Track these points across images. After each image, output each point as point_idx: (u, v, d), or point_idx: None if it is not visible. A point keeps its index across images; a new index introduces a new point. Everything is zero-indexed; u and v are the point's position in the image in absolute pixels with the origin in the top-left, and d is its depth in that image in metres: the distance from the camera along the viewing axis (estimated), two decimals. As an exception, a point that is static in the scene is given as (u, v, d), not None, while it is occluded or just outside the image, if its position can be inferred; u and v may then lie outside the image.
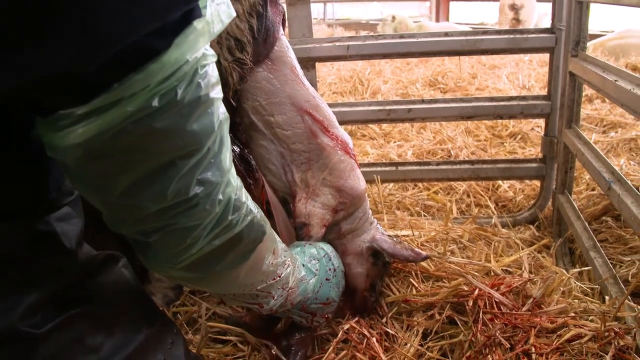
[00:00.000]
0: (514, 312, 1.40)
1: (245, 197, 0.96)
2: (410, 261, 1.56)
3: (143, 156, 0.75)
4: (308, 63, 2.12)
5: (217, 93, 0.81)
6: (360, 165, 2.38)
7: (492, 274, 1.61)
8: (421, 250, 1.68)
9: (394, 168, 2.29)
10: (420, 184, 2.58)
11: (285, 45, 1.46)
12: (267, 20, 1.37)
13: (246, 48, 1.32)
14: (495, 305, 1.44)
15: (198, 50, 0.75)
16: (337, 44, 2.08)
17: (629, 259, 1.71)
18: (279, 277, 1.16)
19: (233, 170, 0.91)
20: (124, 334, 0.97)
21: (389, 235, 1.58)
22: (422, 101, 2.17)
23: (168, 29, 0.71)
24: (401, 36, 2.10)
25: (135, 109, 0.70)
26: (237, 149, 1.56)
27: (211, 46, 1.23)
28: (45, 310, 0.89)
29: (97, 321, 0.95)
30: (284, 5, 2.18)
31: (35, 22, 0.61)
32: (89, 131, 0.69)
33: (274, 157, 1.47)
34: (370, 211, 1.59)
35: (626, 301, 1.37)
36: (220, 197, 0.87)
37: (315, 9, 12.54)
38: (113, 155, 0.73)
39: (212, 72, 0.80)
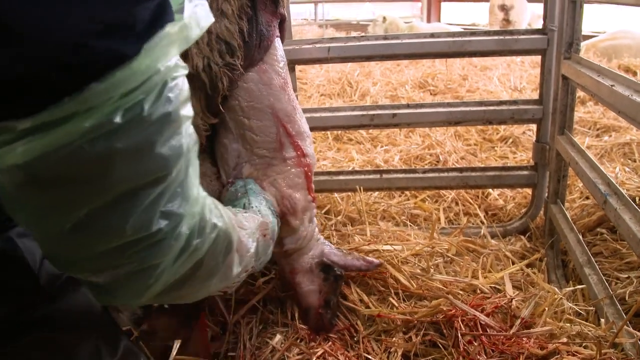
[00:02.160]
0: (499, 334, 1.30)
1: (209, 212, 0.84)
2: (364, 270, 1.53)
3: (100, 183, 0.62)
4: (288, 66, 2.00)
5: (187, 111, 0.69)
6: (344, 173, 2.27)
7: (479, 291, 1.50)
8: (403, 265, 1.58)
9: (378, 176, 2.18)
10: (407, 192, 2.47)
11: (278, 50, 1.40)
12: (260, 24, 1.30)
13: (237, 52, 1.24)
14: (479, 327, 1.34)
15: (170, 58, 0.64)
16: (318, 45, 1.97)
17: (626, 275, 1.60)
18: (247, 270, 1.11)
19: (201, 192, 0.80)
20: None
21: (338, 248, 1.55)
22: (408, 106, 2.06)
23: (138, 33, 0.60)
24: (385, 38, 1.99)
25: (92, 125, 0.57)
26: None
27: (201, 49, 1.13)
28: None
29: (56, 348, 0.87)
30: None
31: None
32: (32, 151, 0.56)
33: (230, 157, 1.41)
34: (317, 229, 1.54)
35: (626, 329, 1.26)
36: (186, 229, 0.75)
37: (307, 10, 12.45)
38: (64, 182, 0.60)
39: (183, 86, 0.68)
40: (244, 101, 1.34)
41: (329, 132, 3.26)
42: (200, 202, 0.80)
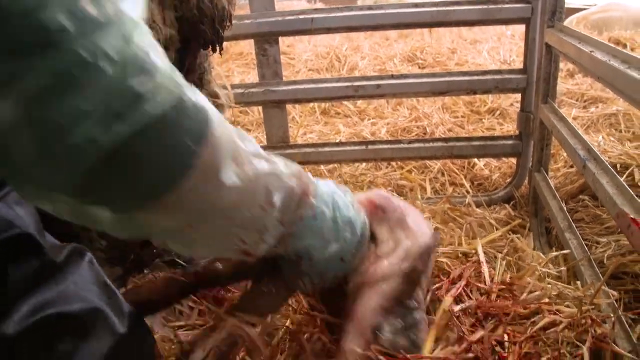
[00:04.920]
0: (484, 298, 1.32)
1: (169, 68, 0.64)
2: None
3: None
4: (271, 38, 2.01)
5: None
6: (330, 144, 2.28)
7: (461, 255, 1.53)
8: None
9: (363, 147, 2.19)
10: (393, 163, 2.48)
11: None
12: None
13: None
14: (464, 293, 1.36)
15: None
16: (301, 16, 1.96)
17: (605, 239, 1.64)
18: (272, 206, 0.82)
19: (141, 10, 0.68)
20: (96, 337, 0.87)
21: None
22: (392, 77, 2.06)
23: None
24: (369, 8, 1.98)
25: None
26: None
27: None
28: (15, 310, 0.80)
29: (67, 324, 0.85)
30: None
31: None
32: None
33: None
34: None
35: (604, 289, 1.29)
36: (111, 51, 0.56)
37: (295, -15, 12.32)
38: None
39: None
40: None
41: (316, 106, 3.26)
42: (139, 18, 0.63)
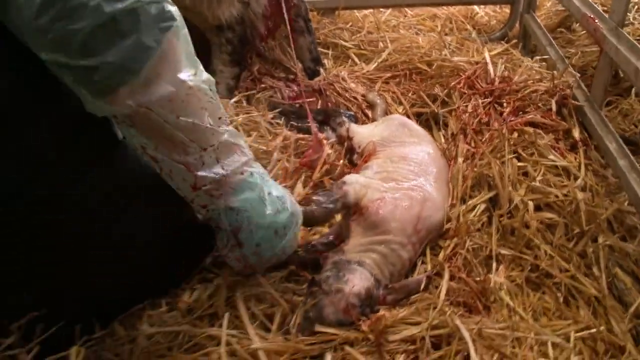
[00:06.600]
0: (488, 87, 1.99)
1: None
2: None
3: None
4: None
5: None
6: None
7: (473, 62, 2.17)
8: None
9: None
10: (409, 14, 3.06)
11: None
12: None
13: None
14: (474, 83, 2.02)
15: None
16: None
17: (574, 50, 2.31)
18: (218, 133, 0.93)
19: None
20: None
21: None
22: None
23: None
24: None
25: None
26: None
27: None
28: None
29: None
30: None
31: None
32: None
33: None
34: None
35: (570, 71, 1.95)
36: None
37: None
38: None
39: None
40: None
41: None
42: None
